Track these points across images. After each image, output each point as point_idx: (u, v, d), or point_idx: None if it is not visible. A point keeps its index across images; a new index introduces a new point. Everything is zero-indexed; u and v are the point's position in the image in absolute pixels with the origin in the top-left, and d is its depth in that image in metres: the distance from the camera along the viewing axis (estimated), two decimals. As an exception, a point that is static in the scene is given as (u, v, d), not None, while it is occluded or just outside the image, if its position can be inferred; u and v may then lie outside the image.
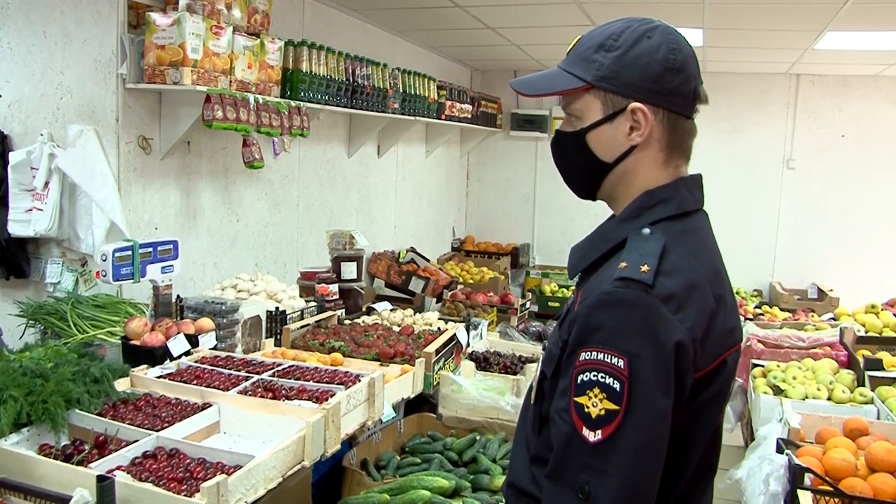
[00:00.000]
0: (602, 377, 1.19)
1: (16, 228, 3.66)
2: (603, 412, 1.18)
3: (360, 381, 2.39)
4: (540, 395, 1.39)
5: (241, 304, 3.01)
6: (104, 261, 2.71)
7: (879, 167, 7.13)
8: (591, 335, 1.22)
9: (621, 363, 1.18)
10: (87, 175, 3.51)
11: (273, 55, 3.93)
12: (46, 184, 3.60)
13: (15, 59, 3.72)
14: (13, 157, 3.64)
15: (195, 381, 2.36)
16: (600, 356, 1.20)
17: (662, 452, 1.21)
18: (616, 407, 1.17)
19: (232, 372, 2.45)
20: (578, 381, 1.21)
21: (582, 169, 1.43)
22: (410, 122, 5.76)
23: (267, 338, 3.03)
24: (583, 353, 1.22)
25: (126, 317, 3.34)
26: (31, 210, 3.63)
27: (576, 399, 1.21)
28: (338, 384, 2.34)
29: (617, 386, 1.18)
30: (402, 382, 2.64)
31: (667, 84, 1.32)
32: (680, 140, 1.38)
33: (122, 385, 2.34)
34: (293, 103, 4.02)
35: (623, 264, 1.25)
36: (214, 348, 2.76)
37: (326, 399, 2.20)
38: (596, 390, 1.19)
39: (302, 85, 4.19)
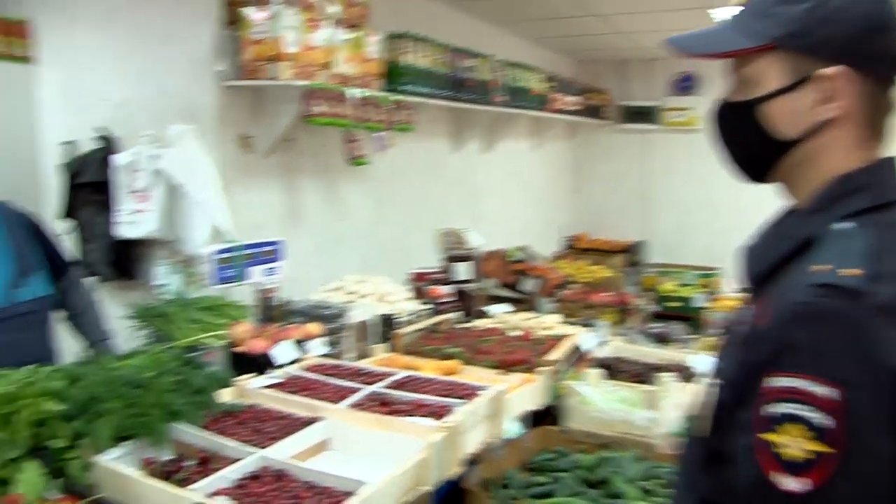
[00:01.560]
0: (803, 410, 0.91)
1: (123, 230, 3.61)
2: (804, 454, 0.90)
3: (481, 394, 2.15)
4: (714, 426, 1.12)
5: (350, 308, 2.83)
6: (206, 263, 2.57)
7: None
8: (787, 357, 0.94)
9: (831, 393, 0.89)
10: (190, 175, 3.42)
11: (373, 48, 3.76)
12: (151, 185, 3.53)
13: (120, 62, 3.67)
14: (118, 160, 3.59)
15: (303, 393, 2.17)
16: (800, 383, 0.91)
17: None
18: (824, 448, 0.89)
19: (342, 383, 2.26)
20: (769, 414, 0.93)
21: (752, 146, 1.15)
22: (516, 116, 5.53)
23: (377, 343, 2.83)
24: (775, 380, 0.94)
25: (232, 320, 3.22)
26: (136, 212, 3.57)
27: (765, 436, 0.93)
28: (457, 398, 2.11)
29: (825, 422, 0.89)
30: (525, 393, 2.40)
31: (871, 46, 1.03)
32: (880, 115, 1.08)
33: (226, 395, 2.17)
34: (396, 97, 3.84)
35: (822, 267, 0.96)
36: (323, 355, 2.58)
37: (446, 415, 1.98)
38: (794, 426, 0.91)
39: (404, 78, 4.01)
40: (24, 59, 4.00)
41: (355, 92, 3.52)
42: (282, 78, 3.21)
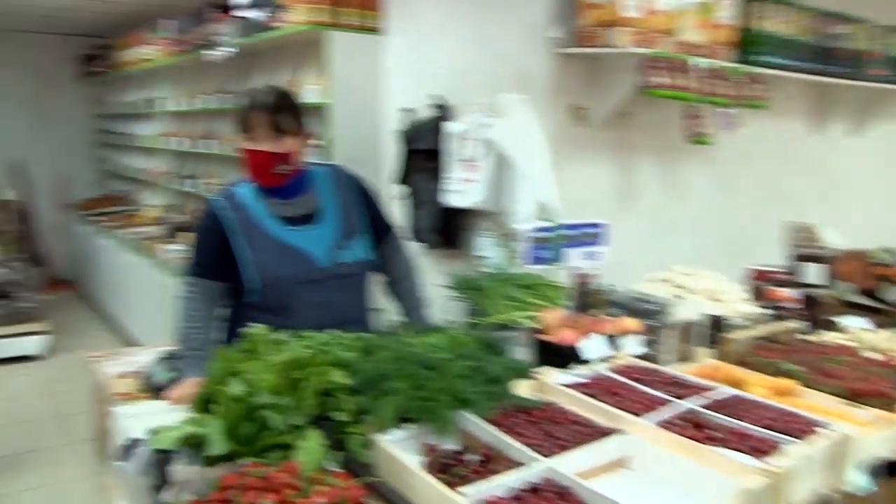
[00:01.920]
0: None
1: (451, 198, 3.63)
2: None
3: (821, 433, 1.76)
4: None
5: (675, 304, 2.52)
6: (522, 241, 2.42)
7: None
8: None
9: None
10: (519, 147, 3.33)
11: (725, 13, 3.36)
12: (480, 155, 3.50)
13: (458, 30, 3.66)
14: (450, 128, 3.61)
15: (607, 398, 1.93)
16: None
17: None
18: None
19: (653, 392, 1.98)
20: None
21: None
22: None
23: (702, 347, 2.50)
24: None
25: (548, 302, 3.07)
26: (465, 181, 3.56)
27: None
28: (788, 433, 1.74)
29: None
30: (879, 436, 1.94)
31: None
32: None
33: (523, 388, 2.01)
34: (749, 69, 3.40)
35: None
36: (638, 356, 2.32)
37: (772, 453, 1.63)
38: None
39: (759, 47, 3.55)
40: (374, 31, 4.18)
41: (701, 62, 3.16)
42: (619, 45, 2.97)
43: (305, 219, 2.51)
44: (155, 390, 2.56)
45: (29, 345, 6.34)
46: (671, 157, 3.74)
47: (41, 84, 8.92)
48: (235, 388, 1.69)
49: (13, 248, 7.08)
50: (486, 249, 3.65)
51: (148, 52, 6.43)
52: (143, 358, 3.29)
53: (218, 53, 4.90)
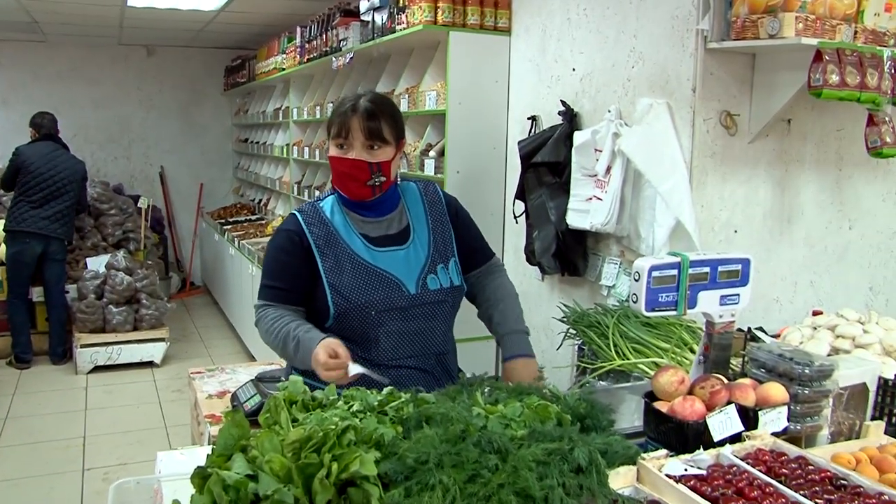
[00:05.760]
0: None
1: (574, 219, 3.17)
2: None
3: None
4: None
5: (838, 362, 1.93)
6: (637, 280, 1.93)
7: None
8: None
9: None
10: (652, 160, 2.84)
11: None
12: (608, 169, 3.02)
13: (589, 27, 3.20)
14: (577, 138, 3.15)
15: (729, 502, 1.41)
16: None
17: None
18: None
19: (799, 499, 1.44)
20: None
21: None
22: None
23: (875, 423, 1.90)
24: None
25: (678, 346, 2.58)
26: (590, 199, 3.10)
27: None
28: None
29: None
30: None
31: None
32: None
33: (622, 478, 1.52)
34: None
35: None
36: (780, 434, 1.76)
37: None
38: None
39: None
40: (501, 31, 3.77)
41: (890, 54, 2.55)
42: (784, 35, 2.42)
43: (394, 238, 2.22)
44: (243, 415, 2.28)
45: (152, 351, 6.44)
46: (844, 173, 3.09)
47: (190, 95, 9.22)
48: (234, 468, 1.33)
49: (146, 255, 7.17)
50: (614, 278, 3.16)
51: (280, 61, 6.33)
52: (242, 377, 3.05)
53: (341, 60, 4.66)
